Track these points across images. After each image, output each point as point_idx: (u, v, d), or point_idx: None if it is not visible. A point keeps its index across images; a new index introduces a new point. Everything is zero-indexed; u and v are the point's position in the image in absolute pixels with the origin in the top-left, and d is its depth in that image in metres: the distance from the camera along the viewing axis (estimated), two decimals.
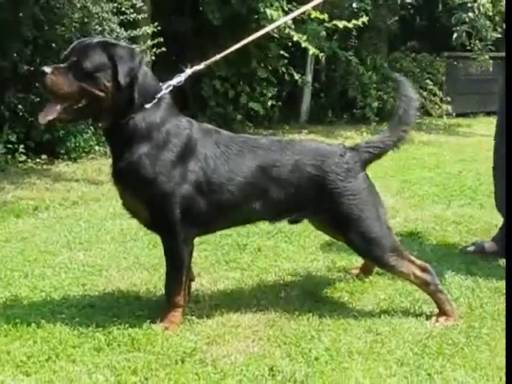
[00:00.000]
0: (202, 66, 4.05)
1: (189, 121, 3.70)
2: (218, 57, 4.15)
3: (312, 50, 11.33)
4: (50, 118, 3.47)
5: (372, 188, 3.81)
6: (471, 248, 5.01)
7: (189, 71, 3.94)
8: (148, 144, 3.51)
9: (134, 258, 4.86)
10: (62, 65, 3.47)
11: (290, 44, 12.08)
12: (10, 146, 8.32)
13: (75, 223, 5.90)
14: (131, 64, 3.47)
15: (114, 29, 8.60)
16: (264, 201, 3.67)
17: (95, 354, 3.29)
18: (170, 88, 3.73)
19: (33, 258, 4.80)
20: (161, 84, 3.72)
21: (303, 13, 11.33)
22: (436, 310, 3.76)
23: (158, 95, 3.60)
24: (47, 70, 3.42)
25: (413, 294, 4.01)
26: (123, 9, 8.92)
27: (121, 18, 8.87)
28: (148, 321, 3.61)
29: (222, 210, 3.64)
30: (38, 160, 8.59)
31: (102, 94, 3.44)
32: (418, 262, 3.79)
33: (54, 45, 8.43)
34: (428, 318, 3.74)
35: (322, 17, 11.51)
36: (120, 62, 3.43)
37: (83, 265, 4.67)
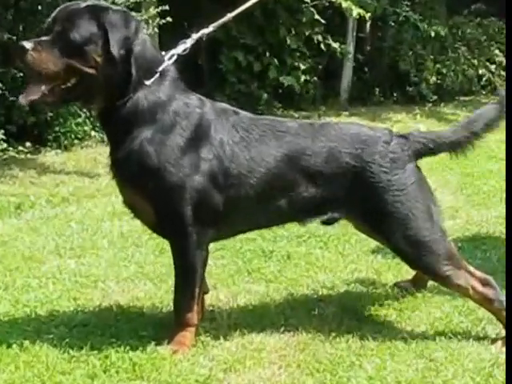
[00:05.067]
0: (210, 28, 4.09)
1: (200, 99, 3.72)
2: (229, 16, 4.18)
3: (356, 11, 11.26)
4: (33, 98, 3.50)
5: (423, 182, 3.82)
6: None
7: (195, 36, 3.96)
8: (151, 128, 3.54)
9: (136, 266, 4.90)
10: (44, 38, 3.48)
11: (326, 6, 12.04)
12: None
13: (65, 224, 5.96)
14: (126, 32, 3.48)
15: None
16: (291, 197, 3.69)
17: (89, 381, 3.31)
18: (175, 58, 3.75)
19: (14, 267, 4.86)
20: (163, 54, 3.74)
21: None
22: (503, 332, 3.75)
23: (160, 68, 3.61)
24: (27, 45, 3.42)
25: (475, 312, 4.01)
26: None
27: None
28: (153, 342, 3.64)
29: (241, 207, 3.66)
30: (20, 148, 8.64)
31: (92, 70, 3.46)
32: (479, 273, 3.79)
33: (39, 8, 8.47)
34: (493, 341, 3.73)
35: None
36: (112, 31, 3.43)
37: (75, 274, 4.72)
